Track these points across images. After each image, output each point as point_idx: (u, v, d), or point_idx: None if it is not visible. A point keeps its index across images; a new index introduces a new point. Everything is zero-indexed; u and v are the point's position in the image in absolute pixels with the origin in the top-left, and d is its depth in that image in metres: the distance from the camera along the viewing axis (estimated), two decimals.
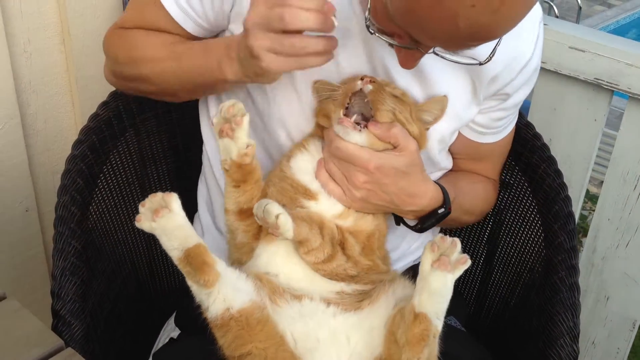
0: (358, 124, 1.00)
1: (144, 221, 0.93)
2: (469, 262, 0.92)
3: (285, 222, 0.94)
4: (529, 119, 1.41)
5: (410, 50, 0.93)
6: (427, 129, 1.10)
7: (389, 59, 1.05)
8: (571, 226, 1.24)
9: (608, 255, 1.62)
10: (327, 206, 1.05)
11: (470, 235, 1.47)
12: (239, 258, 1.08)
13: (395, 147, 1.02)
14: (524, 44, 1.11)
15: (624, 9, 7.78)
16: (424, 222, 1.10)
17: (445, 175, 1.24)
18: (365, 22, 0.92)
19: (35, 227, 1.76)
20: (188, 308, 0.99)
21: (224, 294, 0.94)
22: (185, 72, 1.10)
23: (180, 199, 0.94)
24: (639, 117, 1.51)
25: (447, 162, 1.23)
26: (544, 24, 1.53)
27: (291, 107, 1.11)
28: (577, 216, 1.68)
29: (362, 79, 1.00)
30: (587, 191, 3.23)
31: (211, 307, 0.94)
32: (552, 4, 4.40)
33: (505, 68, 1.11)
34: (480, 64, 0.95)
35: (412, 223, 1.12)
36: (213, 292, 0.93)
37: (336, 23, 0.92)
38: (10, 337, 0.88)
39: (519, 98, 1.18)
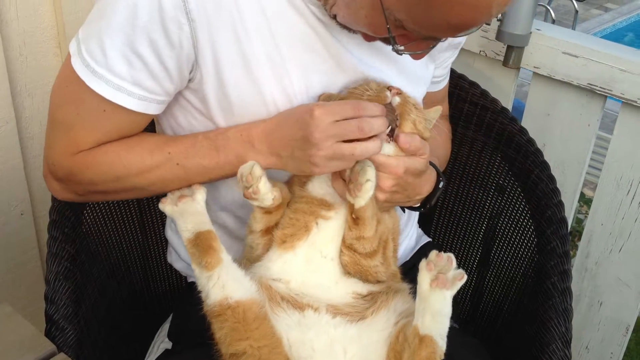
0: (389, 135, 1.01)
1: (167, 204, 1.00)
2: (465, 278, 0.93)
3: (371, 188, 0.96)
4: (523, 123, 1.42)
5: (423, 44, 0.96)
6: None
7: (356, 50, 1.07)
8: (564, 231, 1.24)
9: (601, 260, 1.62)
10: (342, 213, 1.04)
11: (463, 240, 1.47)
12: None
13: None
14: None
15: (621, 12, 7.80)
16: (430, 200, 1.12)
17: None
18: (394, 48, 0.95)
19: (30, 231, 1.76)
20: (180, 319, 0.99)
21: (223, 280, 0.95)
22: (193, 173, 1.06)
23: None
24: (633, 123, 1.51)
25: None
26: (537, 30, 1.56)
27: None
28: (571, 220, 1.68)
29: (389, 89, 1.01)
30: (583, 195, 3.25)
31: (210, 292, 0.95)
32: (548, 7, 4.41)
33: None
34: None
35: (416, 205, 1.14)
36: (213, 276, 0.95)
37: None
38: (2, 342, 0.89)
39: (462, 41, 1.24)
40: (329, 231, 1.02)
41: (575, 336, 1.14)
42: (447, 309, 0.93)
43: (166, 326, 1.27)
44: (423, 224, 1.39)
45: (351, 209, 0.99)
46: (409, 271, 1.09)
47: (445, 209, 1.47)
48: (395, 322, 1.00)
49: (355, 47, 1.07)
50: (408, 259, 1.30)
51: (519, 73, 1.63)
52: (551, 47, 1.53)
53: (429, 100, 1.25)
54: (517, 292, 1.33)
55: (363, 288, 1.03)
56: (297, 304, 1.00)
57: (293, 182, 1.07)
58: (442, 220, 1.49)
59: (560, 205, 1.27)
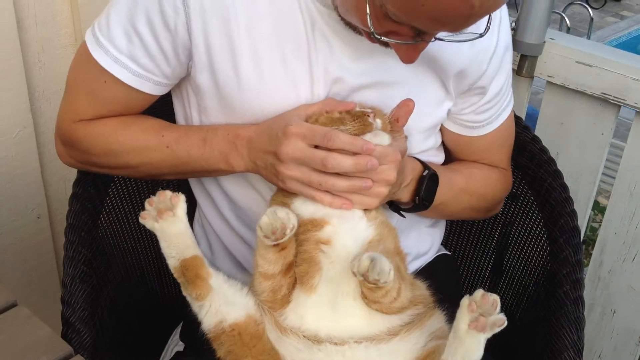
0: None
1: (149, 219, 0.96)
2: (505, 324, 0.88)
3: (392, 289, 0.90)
4: (536, 132, 1.42)
5: (413, 44, 0.94)
6: None
7: (350, 63, 1.06)
8: (576, 240, 1.24)
9: (614, 269, 1.62)
10: (345, 230, 0.99)
11: (476, 248, 1.47)
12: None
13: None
14: (486, 35, 1.12)
15: (636, 20, 7.76)
16: (419, 192, 1.11)
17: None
18: (373, 36, 0.92)
19: (46, 234, 1.78)
20: (192, 323, 1.00)
21: (215, 307, 0.95)
22: (181, 160, 1.10)
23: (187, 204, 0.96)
24: None
25: (438, 159, 1.25)
26: (551, 39, 1.56)
27: None
28: (585, 229, 1.68)
29: (368, 115, 0.98)
30: (598, 203, 3.23)
31: (204, 319, 0.95)
32: (564, 15, 4.40)
33: (472, 62, 1.12)
34: (481, 35, 0.96)
35: (408, 205, 1.13)
36: (204, 305, 0.94)
37: (376, 165, 0.95)
38: (20, 343, 0.90)
39: (497, 86, 1.18)
40: (341, 262, 0.96)
41: (587, 345, 1.13)
42: (480, 353, 0.88)
43: (179, 330, 1.28)
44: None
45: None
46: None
47: None
48: (425, 344, 0.97)
49: (351, 61, 1.06)
50: (421, 267, 1.30)
51: (534, 81, 1.63)
52: (565, 56, 1.54)
53: (470, 145, 1.24)
54: (529, 301, 1.33)
55: (397, 320, 0.98)
56: (317, 339, 0.96)
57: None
58: (455, 227, 1.50)
59: (573, 214, 1.27)
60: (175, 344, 1.27)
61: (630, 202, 1.56)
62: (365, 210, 1.01)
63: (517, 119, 1.42)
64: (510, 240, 1.41)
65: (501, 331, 1.40)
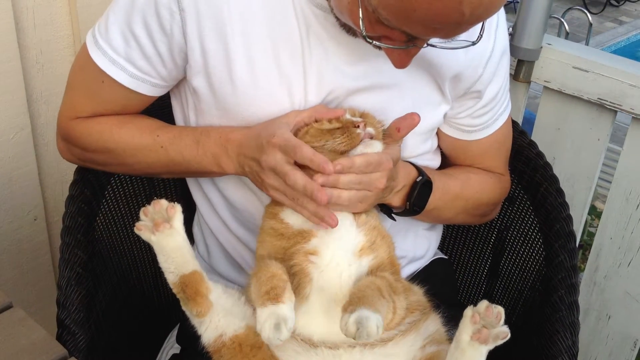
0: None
1: (145, 231, 0.94)
2: (508, 337, 0.88)
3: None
4: (533, 137, 1.42)
5: (405, 49, 0.94)
6: None
7: (347, 67, 1.06)
8: (572, 245, 1.24)
9: (610, 274, 1.62)
10: (333, 239, 0.99)
11: (472, 252, 1.48)
12: None
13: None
14: (482, 40, 1.10)
15: (635, 26, 7.79)
16: (410, 198, 1.11)
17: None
18: (366, 39, 0.93)
19: (42, 236, 1.78)
20: (189, 326, 1.00)
21: (215, 322, 0.95)
22: (174, 161, 1.11)
23: (184, 213, 0.95)
24: None
25: (434, 163, 1.26)
26: (548, 44, 1.56)
27: None
28: (581, 234, 1.69)
29: (357, 126, 0.98)
30: (595, 208, 3.24)
31: (204, 334, 0.95)
32: (562, 20, 4.41)
33: (467, 66, 1.12)
34: (474, 43, 0.96)
35: (399, 209, 1.13)
36: (205, 321, 0.94)
37: (324, 200, 0.94)
38: (15, 346, 0.90)
39: (493, 91, 1.19)
40: (330, 272, 0.97)
41: (582, 350, 1.14)
42: None
43: (175, 332, 1.28)
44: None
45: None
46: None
47: None
48: (422, 346, 0.97)
49: (346, 64, 1.07)
50: (418, 271, 1.30)
51: (532, 85, 1.63)
52: (562, 61, 1.54)
53: (467, 149, 1.24)
54: (524, 305, 1.33)
55: (393, 329, 0.98)
56: (312, 343, 0.97)
57: (268, 217, 1.03)
58: (451, 231, 1.50)
59: (568, 219, 1.28)
60: (171, 347, 1.27)
61: (626, 208, 1.56)
62: (356, 215, 1.01)
63: (514, 123, 1.43)
64: (506, 245, 1.41)
65: None
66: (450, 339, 1.03)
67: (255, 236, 1.07)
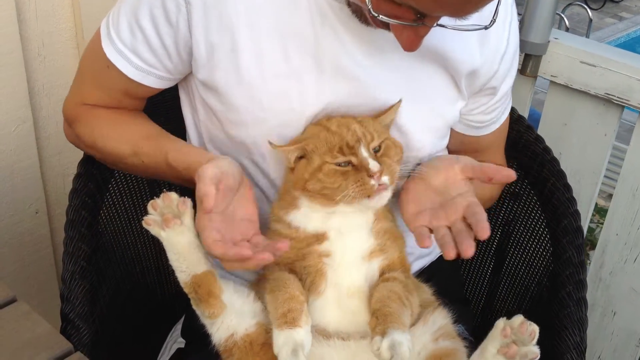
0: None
1: (154, 226, 0.92)
2: (537, 358, 0.85)
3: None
4: (539, 132, 1.41)
5: (414, 29, 0.91)
6: None
7: (361, 56, 1.04)
8: (579, 241, 1.24)
9: (616, 270, 1.61)
10: (344, 242, 0.98)
11: (477, 247, 1.46)
12: None
13: None
14: (497, 35, 1.10)
15: (635, 22, 7.77)
16: None
17: None
18: (371, 14, 0.90)
19: (44, 229, 1.77)
20: (194, 320, 0.99)
21: (227, 323, 0.94)
22: (151, 173, 1.15)
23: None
24: None
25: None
26: (555, 38, 1.55)
27: None
28: (585, 230, 1.67)
29: (371, 175, 0.94)
30: (596, 204, 3.23)
31: (215, 334, 0.94)
32: (563, 15, 4.40)
33: (484, 62, 1.11)
34: (486, 27, 0.94)
35: None
36: (216, 322, 0.93)
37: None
38: (19, 339, 0.89)
39: (507, 87, 1.18)
40: (343, 269, 0.97)
41: (587, 346, 1.13)
42: None
43: (179, 326, 1.27)
44: None
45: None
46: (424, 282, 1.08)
47: None
48: (435, 339, 0.96)
49: (364, 57, 1.05)
50: (424, 267, 1.29)
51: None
52: (569, 56, 1.53)
53: (475, 145, 1.23)
54: (531, 301, 1.32)
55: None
56: (326, 334, 0.97)
57: (275, 221, 1.02)
58: None
59: (576, 214, 1.27)
60: (174, 341, 1.26)
61: (633, 204, 1.55)
62: (374, 220, 1.00)
63: (520, 119, 1.42)
64: (512, 241, 1.40)
65: None
66: (460, 335, 1.02)
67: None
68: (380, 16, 0.89)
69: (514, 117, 1.42)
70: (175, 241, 0.92)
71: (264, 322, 0.95)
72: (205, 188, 0.91)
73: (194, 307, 0.94)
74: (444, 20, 0.91)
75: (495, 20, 0.94)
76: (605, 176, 1.62)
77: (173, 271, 0.95)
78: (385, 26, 0.92)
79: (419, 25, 0.90)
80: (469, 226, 0.98)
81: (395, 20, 0.90)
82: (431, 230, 1.00)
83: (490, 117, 1.21)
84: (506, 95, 1.20)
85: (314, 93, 1.05)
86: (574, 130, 1.59)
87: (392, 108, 1.05)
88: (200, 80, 1.07)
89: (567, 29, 4.35)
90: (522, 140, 1.39)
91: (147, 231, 1.34)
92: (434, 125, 1.12)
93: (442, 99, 1.12)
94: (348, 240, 0.99)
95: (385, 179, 0.95)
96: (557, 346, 1.12)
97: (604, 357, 1.69)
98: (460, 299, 1.40)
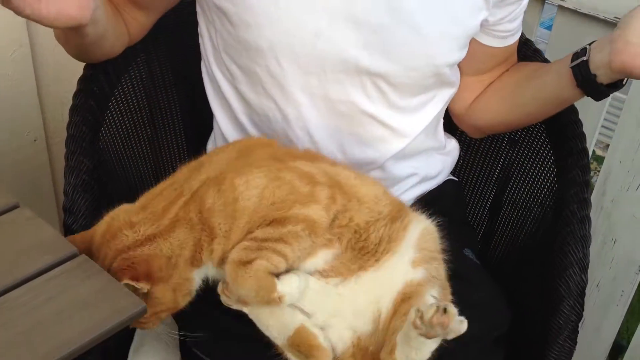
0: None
1: (234, 304, 0.90)
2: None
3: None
4: (547, 56, 1.39)
5: None
6: None
7: None
8: (584, 161, 1.23)
9: (617, 198, 1.61)
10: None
11: (481, 171, 1.46)
12: None
13: None
14: None
15: None
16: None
17: (507, 82, 1.27)
18: None
19: (43, 157, 1.76)
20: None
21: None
22: None
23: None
24: None
25: (455, 77, 1.24)
26: None
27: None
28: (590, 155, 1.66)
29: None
30: (593, 152, 3.22)
31: None
32: None
33: None
34: None
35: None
36: None
37: None
38: (23, 244, 0.88)
39: None
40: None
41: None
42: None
43: None
44: None
45: None
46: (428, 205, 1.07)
47: (464, 138, 1.44)
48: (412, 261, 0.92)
49: None
50: (429, 190, 1.29)
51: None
52: None
53: (496, 55, 1.23)
54: (534, 222, 1.32)
55: None
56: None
57: None
58: (461, 147, 1.47)
59: (582, 136, 1.26)
60: None
61: (637, 131, 1.54)
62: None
63: (528, 42, 1.40)
64: (516, 165, 1.39)
65: (504, 253, 1.40)
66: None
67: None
68: None
69: (522, 40, 1.39)
70: (256, 313, 0.89)
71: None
72: None
73: None
74: None
75: None
76: (604, 127, 1.59)
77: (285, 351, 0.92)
78: None
79: None
80: None
81: None
82: None
83: (514, 26, 1.21)
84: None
85: (328, 23, 1.03)
86: None
87: None
88: (216, 4, 1.05)
89: None
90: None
91: (147, 154, 1.35)
92: (454, 33, 1.10)
93: (466, 6, 1.10)
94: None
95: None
96: (560, 262, 1.12)
97: (602, 285, 1.70)
98: (465, 222, 1.40)
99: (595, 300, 1.72)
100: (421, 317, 0.79)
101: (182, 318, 1.01)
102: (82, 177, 1.09)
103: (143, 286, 0.86)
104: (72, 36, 1.06)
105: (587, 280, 1.10)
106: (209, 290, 0.92)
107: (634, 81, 1.53)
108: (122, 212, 0.93)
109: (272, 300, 0.84)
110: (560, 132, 1.28)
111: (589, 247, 1.13)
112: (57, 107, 1.75)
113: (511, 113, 1.26)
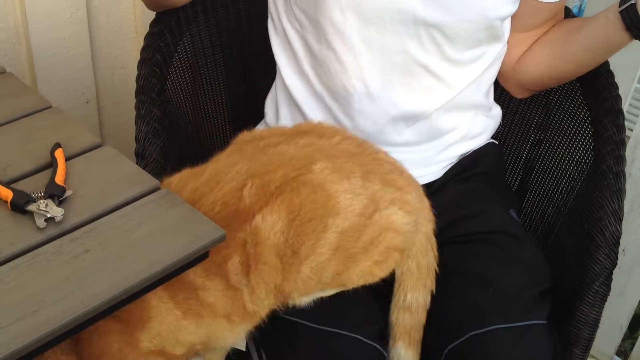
0: None
1: None
2: None
3: None
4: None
5: None
6: None
7: None
8: (620, 121, 1.28)
9: None
10: None
11: (518, 132, 1.51)
12: None
13: None
14: None
15: None
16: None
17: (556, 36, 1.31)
18: None
19: (94, 119, 1.83)
20: None
21: None
22: None
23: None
24: None
25: (505, 32, 1.29)
26: None
27: None
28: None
29: None
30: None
31: None
32: None
33: None
34: None
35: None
36: None
37: None
38: (111, 177, 0.95)
39: None
40: None
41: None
42: None
43: None
44: None
45: None
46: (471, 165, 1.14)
47: (500, 98, 1.48)
48: None
49: None
50: (472, 150, 1.34)
51: None
52: None
53: (546, 10, 1.27)
54: (570, 179, 1.37)
55: None
56: None
57: None
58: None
59: (618, 98, 1.31)
60: None
61: None
62: None
63: (566, 9, 1.44)
64: (551, 126, 1.44)
65: (540, 208, 1.44)
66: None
67: (331, 93, 1.17)
68: None
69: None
70: None
71: None
72: None
73: None
74: None
75: None
76: (629, 112, 1.62)
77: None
78: None
79: None
80: None
81: None
82: None
83: None
84: None
85: None
86: None
87: None
88: None
89: None
90: None
91: (208, 107, 1.42)
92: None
93: None
94: None
95: None
96: (595, 213, 1.18)
97: (628, 250, 1.76)
98: (505, 185, 1.46)
99: (620, 265, 1.76)
100: None
101: None
102: (152, 124, 1.17)
103: None
104: None
105: (621, 231, 1.17)
106: None
107: None
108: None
109: None
110: (598, 94, 1.34)
111: (623, 200, 1.19)
112: (108, 70, 1.81)
113: (561, 64, 1.30)
